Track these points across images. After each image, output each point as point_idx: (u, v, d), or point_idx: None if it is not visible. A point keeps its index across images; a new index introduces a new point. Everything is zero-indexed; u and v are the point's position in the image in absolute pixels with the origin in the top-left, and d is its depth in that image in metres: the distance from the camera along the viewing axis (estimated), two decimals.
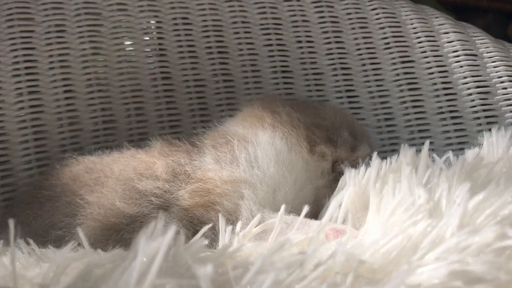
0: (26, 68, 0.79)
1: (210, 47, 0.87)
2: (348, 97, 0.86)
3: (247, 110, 0.69)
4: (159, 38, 0.86)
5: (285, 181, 0.59)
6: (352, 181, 0.53)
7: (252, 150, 0.61)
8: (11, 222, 0.33)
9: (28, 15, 0.80)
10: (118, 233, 0.56)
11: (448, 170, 0.51)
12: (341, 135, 0.66)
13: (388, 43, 0.87)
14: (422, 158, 0.52)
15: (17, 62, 0.79)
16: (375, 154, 0.61)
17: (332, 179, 0.63)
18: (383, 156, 0.63)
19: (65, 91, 0.80)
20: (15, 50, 0.79)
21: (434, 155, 0.57)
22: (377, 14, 0.88)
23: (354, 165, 0.60)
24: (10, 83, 0.78)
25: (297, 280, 0.32)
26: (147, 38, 0.86)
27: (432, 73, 0.84)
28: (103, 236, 0.56)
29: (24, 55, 0.79)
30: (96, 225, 0.57)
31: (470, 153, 0.57)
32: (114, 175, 0.62)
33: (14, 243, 0.33)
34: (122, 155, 0.66)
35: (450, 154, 0.59)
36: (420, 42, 0.85)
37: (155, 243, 0.30)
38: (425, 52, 0.85)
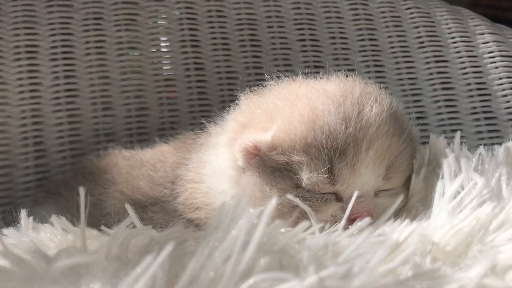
0: (64, 53, 0.80)
1: (243, 40, 0.88)
2: None
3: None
4: (193, 29, 0.87)
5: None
6: None
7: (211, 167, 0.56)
8: (82, 190, 0.33)
9: (68, 1, 0.81)
10: (144, 209, 0.58)
11: (493, 158, 0.51)
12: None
13: (422, 42, 0.86)
14: (456, 147, 0.53)
15: (55, 47, 0.80)
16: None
17: None
18: None
19: (100, 77, 0.81)
20: (54, 35, 0.80)
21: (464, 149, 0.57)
22: (412, 13, 0.87)
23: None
24: (47, 67, 0.79)
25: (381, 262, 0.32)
26: (182, 29, 0.86)
27: (466, 73, 0.84)
28: (123, 201, 0.59)
29: (62, 40, 0.80)
30: (123, 198, 0.60)
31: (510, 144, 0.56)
32: (143, 162, 0.65)
33: (84, 212, 0.34)
34: (155, 147, 0.69)
35: (481, 149, 0.59)
36: (454, 42, 0.85)
37: (256, 211, 0.30)
38: (459, 52, 0.84)
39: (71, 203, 0.60)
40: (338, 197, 0.48)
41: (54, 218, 0.50)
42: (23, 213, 0.49)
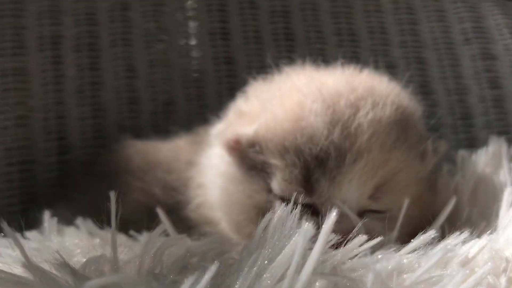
0: (89, 44, 0.77)
1: (276, 33, 0.83)
2: (423, 92, 0.80)
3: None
4: (223, 21, 0.83)
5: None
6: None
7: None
8: (112, 194, 0.29)
9: None
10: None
11: None
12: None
13: (468, 38, 0.81)
14: None
15: (80, 38, 0.76)
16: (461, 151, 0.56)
17: None
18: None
19: (127, 70, 0.78)
20: (79, 25, 0.76)
21: None
22: (457, 7, 0.82)
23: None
24: (71, 58, 0.75)
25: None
26: (212, 21, 0.82)
27: None
28: (142, 212, 0.51)
29: (88, 30, 0.77)
30: (140, 200, 0.55)
31: None
32: (158, 161, 0.60)
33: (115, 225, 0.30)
34: (172, 140, 0.64)
35: None
36: (504, 39, 0.79)
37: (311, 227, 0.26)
38: (509, 49, 0.78)
39: (85, 207, 0.54)
40: (314, 210, 0.42)
41: (80, 220, 0.46)
42: (47, 214, 0.46)
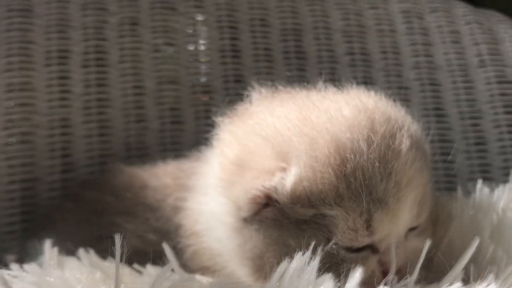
0: (97, 59, 0.75)
1: (287, 52, 0.82)
2: (436, 115, 0.78)
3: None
4: (234, 38, 0.81)
5: None
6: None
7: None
8: (117, 237, 0.27)
9: (103, 5, 0.77)
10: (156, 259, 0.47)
11: None
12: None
13: (482, 61, 0.79)
14: None
15: (88, 53, 0.75)
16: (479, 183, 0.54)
17: None
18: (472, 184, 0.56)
19: (135, 87, 0.76)
20: (87, 40, 0.75)
21: None
22: (472, 29, 0.80)
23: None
24: (79, 74, 0.74)
25: None
26: (222, 38, 0.81)
27: None
28: (138, 255, 0.46)
29: (96, 46, 0.75)
30: (135, 243, 0.51)
31: None
32: (146, 202, 0.56)
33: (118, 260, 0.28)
34: (158, 171, 0.60)
35: None
36: None
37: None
38: None
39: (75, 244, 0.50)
40: (374, 250, 0.41)
41: (81, 252, 0.44)
42: (48, 244, 0.44)
